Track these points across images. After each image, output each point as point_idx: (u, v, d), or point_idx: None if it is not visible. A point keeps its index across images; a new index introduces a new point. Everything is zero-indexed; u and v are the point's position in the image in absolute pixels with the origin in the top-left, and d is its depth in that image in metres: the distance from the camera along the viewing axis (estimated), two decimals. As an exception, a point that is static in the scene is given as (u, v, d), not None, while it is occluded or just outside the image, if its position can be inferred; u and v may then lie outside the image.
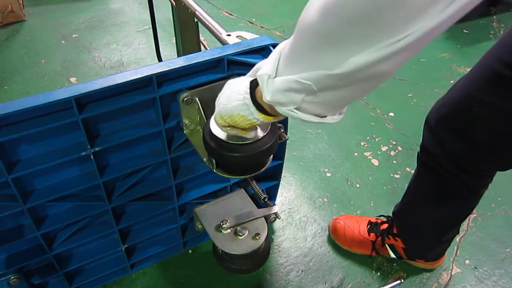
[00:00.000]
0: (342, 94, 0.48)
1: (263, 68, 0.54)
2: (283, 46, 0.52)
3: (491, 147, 0.83)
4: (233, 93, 0.62)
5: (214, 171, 0.78)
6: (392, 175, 1.46)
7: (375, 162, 1.50)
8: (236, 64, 0.85)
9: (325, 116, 0.54)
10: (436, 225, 1.06)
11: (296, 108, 0.52)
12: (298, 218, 1.32)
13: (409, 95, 1.81)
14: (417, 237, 1.11)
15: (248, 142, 0.71)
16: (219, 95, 0.66)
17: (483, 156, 0.85)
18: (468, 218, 1.31)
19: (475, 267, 1.19)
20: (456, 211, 1.02)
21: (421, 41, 0.39)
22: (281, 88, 0.51)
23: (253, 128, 0.69)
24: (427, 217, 1.05)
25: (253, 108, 0.59)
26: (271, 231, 1.28)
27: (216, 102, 0.68)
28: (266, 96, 0.53)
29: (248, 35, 0.92)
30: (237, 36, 0.94)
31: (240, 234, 0.93)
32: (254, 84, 0.59)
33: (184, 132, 0.89)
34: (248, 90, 0.59)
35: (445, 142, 0.88)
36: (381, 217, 1.24)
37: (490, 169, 0.91)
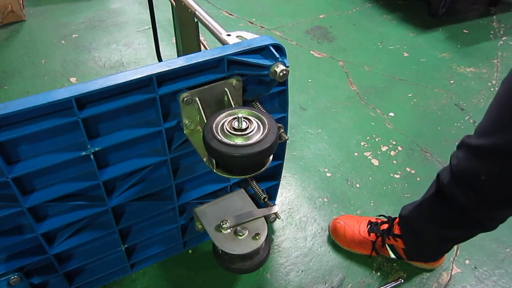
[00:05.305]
0: None
1: None
2: None
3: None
4: None
5: (214, 171, 0.78)
6: (392, 175, 1.46)
7: (375, 162, 1.50)
8: (236, 64, 0.85)
9: None
10: (440, 240, 1.06)
11: None
12: (298, 218, 1.32)
13: (409, 95, 1.81)
14: (419, 244, 1.11)
15: (248, 142, 0.71)
16: None
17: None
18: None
19: (475, 267, 1.19)
20: (463, 235, 1.02)
21: None
22: None
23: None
24: (433, 233, 1.05)
25: None
26: (271, 231, 1.28)
27: None
28: None
29: (248, 35, 0.92)
30: (237, 36, 0.93)
31: (240, 234, 0.93)
32: None
33: (184, 132, 0.89)
34: None
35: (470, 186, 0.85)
36: (381, 217, 1.24)
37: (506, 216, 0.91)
